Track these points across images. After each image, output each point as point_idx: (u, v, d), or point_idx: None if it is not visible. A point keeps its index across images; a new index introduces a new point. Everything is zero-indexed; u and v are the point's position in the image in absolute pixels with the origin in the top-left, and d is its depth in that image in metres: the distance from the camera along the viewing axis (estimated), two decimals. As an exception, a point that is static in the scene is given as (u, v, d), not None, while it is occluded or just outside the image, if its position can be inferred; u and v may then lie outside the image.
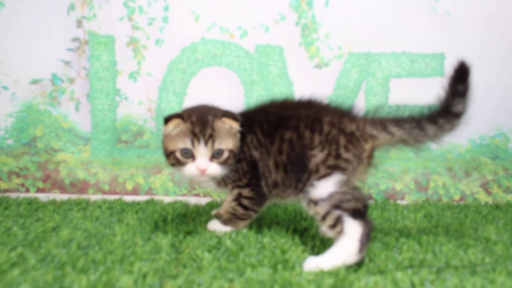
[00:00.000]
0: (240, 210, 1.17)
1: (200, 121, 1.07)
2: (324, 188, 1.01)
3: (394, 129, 1.03)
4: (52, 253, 0.97)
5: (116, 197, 1.57)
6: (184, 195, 1.62)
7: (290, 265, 0.95)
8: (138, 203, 1.48)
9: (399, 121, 1.03)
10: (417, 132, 1.02)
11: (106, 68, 1.57)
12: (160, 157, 1.60)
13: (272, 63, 1.59)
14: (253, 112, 1.16)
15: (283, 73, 1.60)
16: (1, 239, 1.06)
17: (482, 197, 1.66)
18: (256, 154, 1.12)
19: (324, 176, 1.01)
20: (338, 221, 0.98)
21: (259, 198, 1.16)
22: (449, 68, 1.59)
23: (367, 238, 0.96)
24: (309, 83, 1.59)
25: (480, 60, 1.61)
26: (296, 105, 1.12)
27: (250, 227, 1.20)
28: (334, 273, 0.89)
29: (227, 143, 1.08)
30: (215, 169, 1.07)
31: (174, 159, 1.09)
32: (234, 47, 1.59)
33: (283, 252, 1.02)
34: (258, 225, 1.23)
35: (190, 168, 1.07)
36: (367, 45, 1.60)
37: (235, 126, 1.09)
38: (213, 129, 1.06)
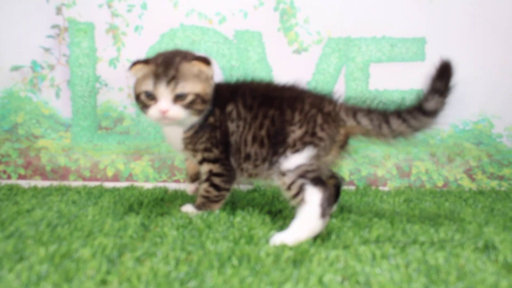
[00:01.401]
0: (214, 192, 1.17)
1: (164, 62, 1.05)
2: (295, 160, 1.04)
3: (362, 119, 1.05)
4: (20, 230, 0.97)
5: (97, 183, 1.57)
6: (164, 181, 1.62)
7: (254, 241, 0.95)
8: (118, 189, 1.48)
9: (369, 112, 1.05)
10: (381, 124, 1.04)
11: (86, 55, 1.58)
12: (140, 143, 1.61)
13: (251, 49, 1.59)
14: (238, 85, 1.17)
15: (262, 58, 1.59)
16: (-28, 219, 1.07)
17: (466, 183, 1.65)
18: (231, 126, 1.13)
19: (298, 150, 1.04)
20: (300, 190, 1.00)
21: (229, 173, 1.16)
22: (430, 53, 1.61)
23: (328, 203, 0.98)
24: (289, 69, 1.58)
25: (462, 44, 1.60)
26: (281, 88, 1.15)
27: (223, 208, 1.20)
28: (295, 246, 0.88)
29: (193, 86, 1.06)
30: (178, 112, 1.05)
31: (140, 102, 1.08)
32: (213, 33, 1.59)
33: (250, 229, 1.02)
34: (233, 208, 1.23)
35: (153, 111, 1.06)
36: (346, 29, 1.59)
37: (205, 69, 1.08)
38: (177, 70, 1.05)
